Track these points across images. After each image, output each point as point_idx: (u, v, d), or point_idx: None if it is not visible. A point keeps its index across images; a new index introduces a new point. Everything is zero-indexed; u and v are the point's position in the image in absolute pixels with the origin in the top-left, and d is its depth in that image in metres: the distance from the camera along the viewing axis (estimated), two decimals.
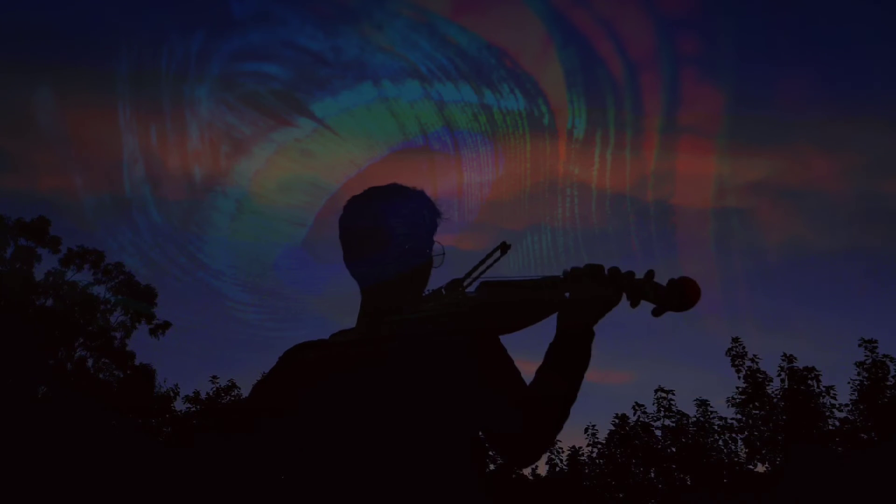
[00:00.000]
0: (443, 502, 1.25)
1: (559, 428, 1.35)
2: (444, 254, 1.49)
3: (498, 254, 1.42)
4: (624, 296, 1.33)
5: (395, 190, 1.50)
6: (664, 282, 1.29)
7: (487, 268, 1.42)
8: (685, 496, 14.28)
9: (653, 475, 15.17)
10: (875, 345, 14.68)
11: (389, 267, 1.43)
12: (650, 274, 1.30)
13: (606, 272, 1.33)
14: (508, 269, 1.56)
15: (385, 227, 1.44)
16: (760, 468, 14.87)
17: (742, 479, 14.34)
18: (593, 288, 1.34)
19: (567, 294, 1.37)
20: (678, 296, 1.26)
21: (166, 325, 19.56)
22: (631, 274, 1.32)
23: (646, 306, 1.32)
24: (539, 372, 1.37)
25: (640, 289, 1.30)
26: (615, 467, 15.23)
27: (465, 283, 1.43)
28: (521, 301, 1.37)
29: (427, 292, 1.47)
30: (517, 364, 1.43)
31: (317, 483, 1.32)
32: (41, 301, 18.63)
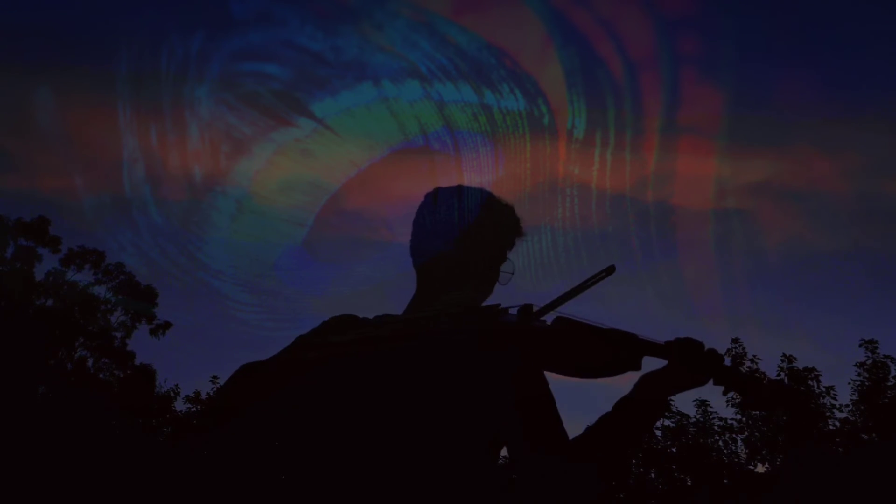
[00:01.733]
0: None
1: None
2: (512, 272, 1.47)
3: (603, 274, 1.31)
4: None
5: (431, 192, 1.55)
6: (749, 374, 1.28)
7: (590, 286, 1.31)
8: (685, 496, 14.28)
9: (653, 475, 15.17)
10: (876, 345, 14.71)
11: (413, 262, 1.53)
12: (736, 365, 1.27)
13: (703, 353, 1.27)
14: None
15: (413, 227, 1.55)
16: (760, 468, 14.89)
17: (742, 480, 14.34)
18: (684, 365, 1.27)
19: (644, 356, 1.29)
20: (769, 403, 1.24)
21: (166, 325, 19.58)
22: (722, 358, 1.27)
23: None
24: (596, 430, 1.31)
25: (732, 381, 1.26)
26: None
27: (538, 312, 1.33)
28: (594, 350, 1.29)
29: (489, 303, 1.42)
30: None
31: (316, 484, 1.32)
32: (41, 301, 18.64)
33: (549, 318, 1.34)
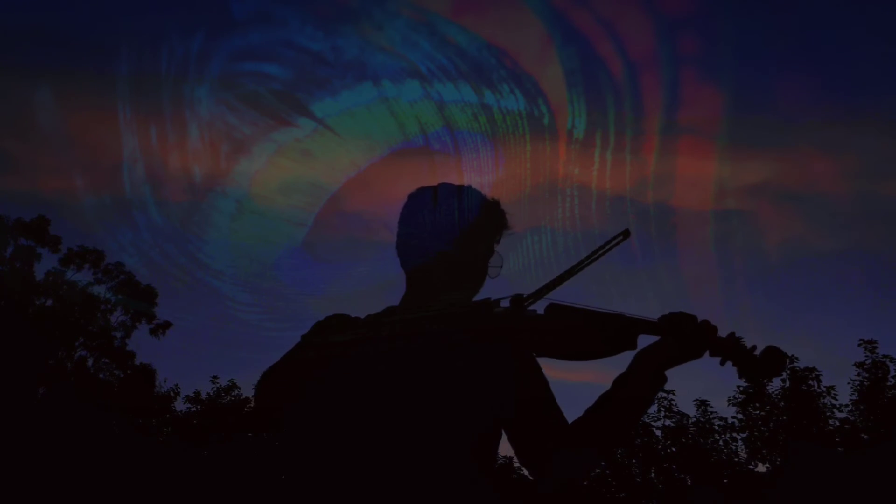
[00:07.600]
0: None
1: (591, 469, 1.32)
2: (500, 266, 1.48)
3: (620, 237, 1.31)
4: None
5: (414, 191, 1.55)
6: (748, 343, 1.27)
7: (605, 251, 1.31)
8: (685, 496, 14.28)
9: (653, 475, 15.18)
10: (875, 345, 14.73)
11: (402, 262, 1.52)
12: (733, 336, 1.29)
13: (697, 326, 1.28)
14: (509, 271, 1.55)
15: (398, 228, 1.54)
16: (761, 468, 14.90)
17: (742, 479, 14.35)
18: (679, 339, 1.28)
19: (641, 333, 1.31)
20: (764, 368, 1.25)
21: (166, 325, 19.59)
22: (714, 330, 1.28)
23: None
24: (596, 409, 1.33)
25: (727, 351, 1.27)
26: (615, 467, 15.23)
27: (527, 300, 1.34)
28: (589, 333, 1.30)
29: (480, 298, 1.43)
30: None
31: (316, 484, 1.32)
32: (41, 301, 18.64)
33: (540, 306, 1.35)
